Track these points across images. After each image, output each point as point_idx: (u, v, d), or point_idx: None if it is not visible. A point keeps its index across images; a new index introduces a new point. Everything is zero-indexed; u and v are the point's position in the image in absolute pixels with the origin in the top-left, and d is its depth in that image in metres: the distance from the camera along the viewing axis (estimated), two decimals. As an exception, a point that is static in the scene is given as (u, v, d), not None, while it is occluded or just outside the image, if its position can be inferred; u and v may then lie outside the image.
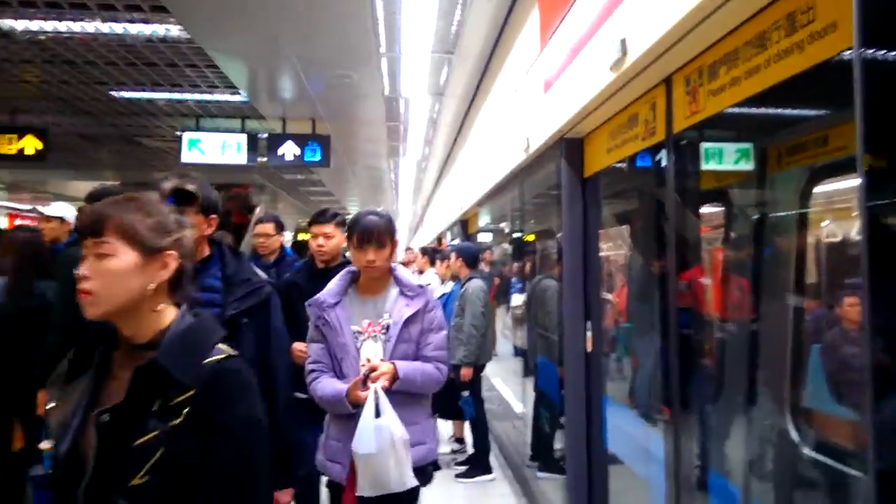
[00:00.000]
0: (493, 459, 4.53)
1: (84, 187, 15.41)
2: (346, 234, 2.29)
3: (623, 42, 1.96)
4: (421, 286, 2.11)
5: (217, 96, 6.61)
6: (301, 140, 7.43)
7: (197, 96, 6.57)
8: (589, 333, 2.70)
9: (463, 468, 4.36)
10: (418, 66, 5.53)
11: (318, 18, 4.37)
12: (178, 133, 7.44)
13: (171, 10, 4.28)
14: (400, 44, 5.05)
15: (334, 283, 2.11)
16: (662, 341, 2.07)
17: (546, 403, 3.83)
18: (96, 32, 4.67)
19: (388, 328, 2.04)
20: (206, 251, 1.84)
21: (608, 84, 2.13)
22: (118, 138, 8.44)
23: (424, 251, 6.38)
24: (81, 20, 4.44)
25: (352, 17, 4.41)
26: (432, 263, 5.98)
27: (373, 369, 1.94)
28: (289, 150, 7.46)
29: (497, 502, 3.98)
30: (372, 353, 2.01)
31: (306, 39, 4.84)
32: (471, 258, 4.73)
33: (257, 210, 3.74)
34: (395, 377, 1.96)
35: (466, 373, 4.27)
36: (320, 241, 2.83)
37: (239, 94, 6.49)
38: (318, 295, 2.09)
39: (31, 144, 6.93)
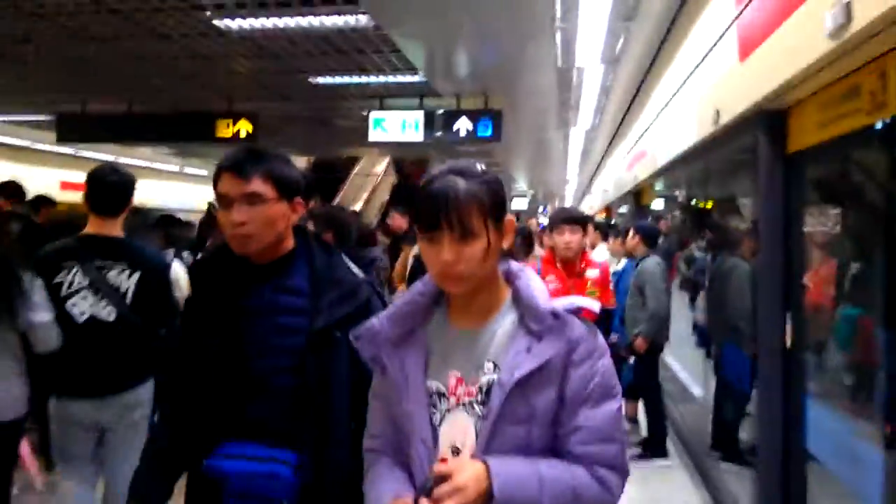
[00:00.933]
0: (670, 444, 4.40)
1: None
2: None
3: (847, 6, 1.75)
4: (557, 314, 1.04)
5: (399, 78, 6.97)
6: (474, 115, 7.58)
7: (381, 79, 6.98)
8: (789, 326, 2.49)
9: (637, 450, 4.29)
10: (594, 35, 5.35)
11: None
12: (365, 113, 8.00)
13: (360, 1, 4.59)
14: (578, 12, 4.92)
15: (404, 300, 1.15)
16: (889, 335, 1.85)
17: (731, 392, 3.63)
18: (297, 27, 5.16)
19: (487, 391, 1.05)
20: (290, 244, 1.43)
21: (825, 53, 1.92)
22: (314, 120, 9.27)
23: (597, 225, 6.24)
24: (286, 16, 4.92)
25: None
26: (605, 238, 5.85)
27: (441, 478, 0.98)
28: (462, 125, 7.65)
29: (674, 488, 3.87)
30: (461, 434, 1.06)
31: (482, 15, 4.91)
32: (650, 237, 4.57)
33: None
34: (484, 499, 0.97)
35: (641, 344, 4.17)
36: None
37: (417, 74, 6.79)
38: (371, 319, 1.14)
39: (244, 127, 7.89)
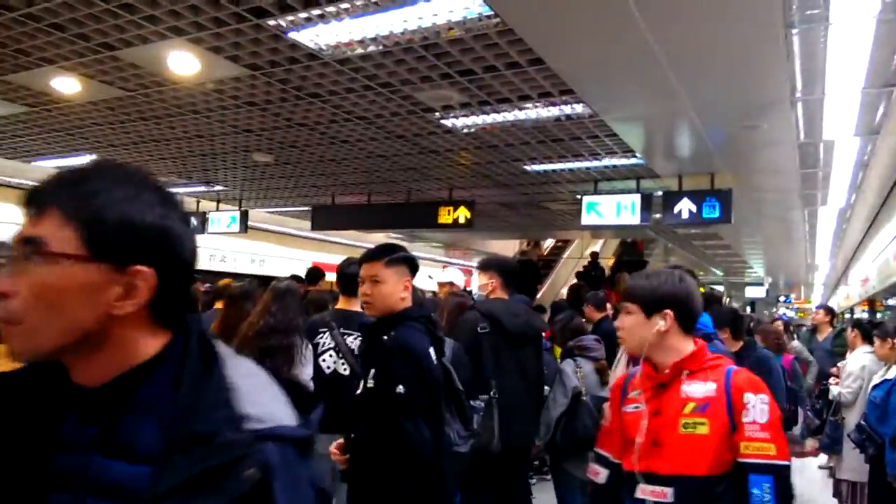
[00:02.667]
0: None
1: (499, 245, 17.89)
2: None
3: None
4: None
5: (614, 161, 6.86)
6: (698, 197, 7.09)
7: (595, 163, 6.94)
8: None
9: None
10: (845, 106, 4.71)
11: (722, 70, 4.15)
12: (578, 197, 7.98)
13: (578, 92, 4.65)
14: (824, 84, 4.39)
15: None
16: None
17: None
18: (514, 120, 5.39)
19: None
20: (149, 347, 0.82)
21: None
22: (528, 204, 9.52)
23: (857, 324, 5.27)
24: (504, 111, 5.18)
25: (762, 64, 4.04)
26: (869, 341, 4.88)
27: None
28: (685, 207, 7.19)
29: None
30: None
31: (708, 94, 4.64)
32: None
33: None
34: None
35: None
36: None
37: (635, 156, 6.61)
38: None
39: (462, 213, 8.37)
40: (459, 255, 20.02)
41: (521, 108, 5.11)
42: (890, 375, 4.02)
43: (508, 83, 4.58)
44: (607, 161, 6.91)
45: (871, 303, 10.50)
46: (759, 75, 4.19)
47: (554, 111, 5.16)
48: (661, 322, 1.67)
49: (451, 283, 4.75)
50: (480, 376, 2.89)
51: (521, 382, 3.20)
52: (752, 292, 21.84)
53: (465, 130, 5.80)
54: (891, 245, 7.30)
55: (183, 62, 4.39)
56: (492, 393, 2.80)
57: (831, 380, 5.23)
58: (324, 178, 8.24)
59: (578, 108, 5.09)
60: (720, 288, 23.31)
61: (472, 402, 2.71)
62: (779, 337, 5.94)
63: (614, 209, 7.69)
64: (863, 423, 4.24)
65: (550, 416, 3.39)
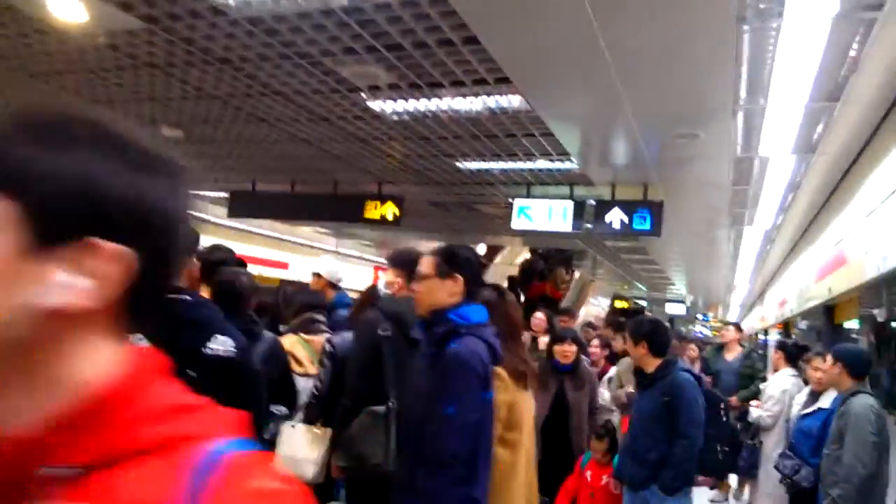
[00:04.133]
0: None
1: (427, 246, 17.59)
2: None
3: None
4: None
5: (548, 164, 6.60)
6: (630, 207, 6.94)
7: (529, 165, 6.66)
8: None
9: None
10: (786, 120, 4.58)
11: (667, 69, 3.90)
12: (511, 200, 7.69)
13: (515, 81, 4.30)
14: (767, 93, 4.23)
15: None
16: None
17: None
18: (447, 109, 5.00)
19: None
20: None
21: None
22: (459, 205, 9.17)
23: (782, 346, 5.18)
24: (436, 98, 4.78)
25: (709, 64, 3.82)
26: (792, 363, 4.78)
27: None
28: (616, 217, 7.04)
29: None
30: None
31: (651, 97, 4.41)
32: (858, 366, 3.54)
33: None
34: None
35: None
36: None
37: (570, 160, 6.37)
38: None
39: (391, 209, 7.92)
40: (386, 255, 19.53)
41: (453, 96, 4.73)
42: (824, 404, 3.86)
43: (440, 64, 4.18)
44: (542, 164, 6.64)
45: (787, 325, 10.77)
46: (705, 76, 3.97)
47: (489, 102, 4.80)
48: None
49: (318, 276, 4.24)
50: (379, 385, 2.46)
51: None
52: (672, 309, 22.38)
53: (395, 117, 5.36)
54: (811, 268, 7.39)
55: (64, 4, 3.75)
56: (389, 404, 2.39)
57: (752, 402, 5.11)
58: (242, 160, 7.60)
59: (515, 102, 4.76)
60: (643, 303, 23.85)
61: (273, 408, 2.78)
62: (693, 361, 5.79)
63: (546, 214, 7.46)
64: (788, 451, 4.09)
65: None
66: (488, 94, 4.65)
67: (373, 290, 3.30)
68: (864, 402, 3.32)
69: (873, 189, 4.56)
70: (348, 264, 17.41)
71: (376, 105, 5.10)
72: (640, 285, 22.54)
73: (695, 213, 8.33)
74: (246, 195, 8.91)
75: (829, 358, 3.62)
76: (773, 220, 8.45)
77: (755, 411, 4.75)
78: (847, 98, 4.09)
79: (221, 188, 9.14)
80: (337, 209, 8.44)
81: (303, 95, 5.02)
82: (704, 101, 4.44)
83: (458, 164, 6.80)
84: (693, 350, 6.97)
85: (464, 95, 4.71)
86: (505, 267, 15.99)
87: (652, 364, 3.38)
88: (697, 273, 17.48)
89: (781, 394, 4.65)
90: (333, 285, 4.23)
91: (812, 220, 7.68)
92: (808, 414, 3.93)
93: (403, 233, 12.73)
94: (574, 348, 4.25)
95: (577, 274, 16.65)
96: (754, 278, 17.02)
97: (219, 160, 7.75)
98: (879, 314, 5.11)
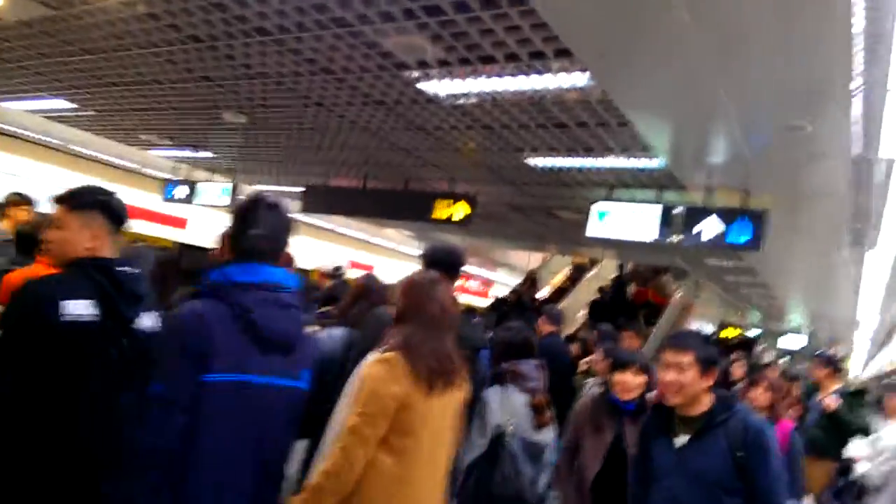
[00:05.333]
0: None
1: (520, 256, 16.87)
2: None
3: None
4: None
5: (630, 163, 5.90)
6: (728, 215, 6.06)
7: (608, 162, 6.00)
8: None
9: None
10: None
11: (771, 46, 3.20)
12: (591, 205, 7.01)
13: (577, 53, 3.74)
14: (888, 75, 3.40)
15: None
16: None
17: None
18: (505, 91, 4.51)
19: None
20: None
21: None
22: (535, 209, 8.59)
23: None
24: (492, 75, 4.30)
25: (821, 42, 3.09)
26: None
27: None
28: (710, 226, 6.16)
29: None
30: None
31: (749, 77, 3.69)
32: None
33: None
34: None
35: None
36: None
37: (654, 157, 5.64)
38: None
39: (462, 209, 7.45)
40: (477, 263, 19.12)
41: (509, 73, 4.23)
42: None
43: (489, 32, 3.70)
44: (622, 162, 5.95)
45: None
46: (814, 57, 3.22)
47: (550, 81, 4.25)
48: None
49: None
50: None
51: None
52: (787, 342, 20.12)
53: (451, 101, 4.94)
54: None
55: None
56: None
57: (855, 454, 4.13)
58: (311, 151, 7.48)
59: (582, 79, 4.17)
60: (756, 332, 21.74)
61: None
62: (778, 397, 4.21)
63: (628, 221, 6.70)
64: None
65: (462, 460, 2.48)
66: (549, 71, 4.10)
67: (367, 280, 2.86)
68: None
69: None
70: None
71: (429, 87, 4.70)
72: (755, 312, 20.54)
73: (810, 228, 7.22)
74: (320, 190, 8.83)
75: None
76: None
77: (861, 466, 3.83)
78: None
79: (299, 182, 9.13)
80: (406, 206, 8.13)
81: (352, 73, 4.71)
82: (813, 82, 3.65)
83: (529, 160, 6.25)
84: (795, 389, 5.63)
85: (521, 72, 4.19)
86: (599, 282, 15.06)
87: (704, 400, 2.23)
88: (815, 302, 15.64)
89: (898, 448, 3.71)
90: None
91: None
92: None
93: (484, 238, 12.27)
94: (641, 379, 2.88)
95: (677, 294, 15.38)
96: (885, 312, 14.92)
97: (290, 151, 7.70)
98: None
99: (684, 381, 2.14)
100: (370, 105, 5.38)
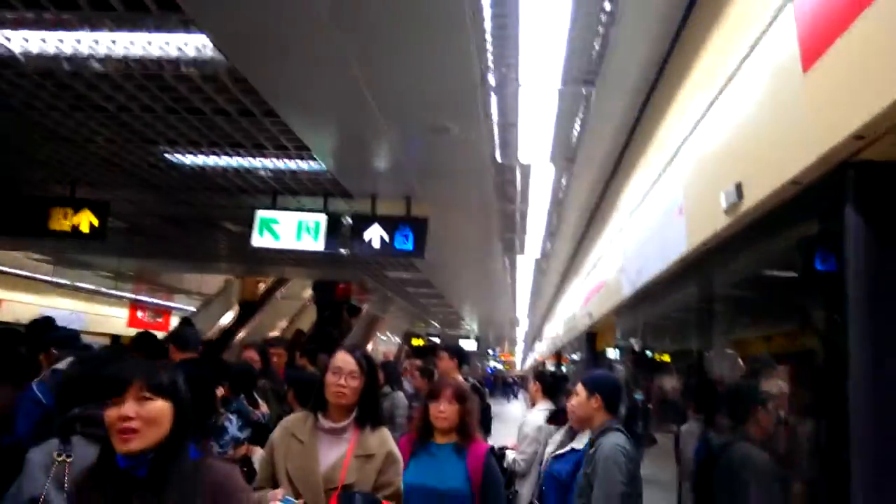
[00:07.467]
0: None
1: (196, 280, 15.06)
2: None
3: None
4: None
5: (290, 164, 5.35)
6: (391, 223, 5.96)
7: (266, 162, 5.35)
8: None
9: None
10: (541, 102, 3.85)
11: (406, 49, 2.96)
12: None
13: (193, 16, 2.99)
14: (517, 69, 3.46)
15: None
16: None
17: None
18: (107, 56, 3.51)
19: None
20: None
21: None
22: (197, 220, 7.48)
23: (539, 376, 4.41)
24: (76, 28, 3.27)
25: (449, 44, 2.96)
26: (550, 396, 4.00)
27: None
28: (376, 234, 6.00)
29: None
30: None
31: (386, 73, 3.44)
32: (610, 397, 2.79)
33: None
34: None
35: None
36: None
37: (316, 160, 5.19)
38: None
39: (87, 219, 6.03)
40: (146, 290, 16.64)
41: (99, 26, 3.26)
42: (578, 444, 3.02)
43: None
44: (282, 164, 5.37)
45: (558, 356, 10.68)
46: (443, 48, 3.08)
47: (162, 44, 3.41)
48: None
49: None
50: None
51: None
52: (464, 345, 22.33)
53: (35, 66, 3.71)
54: (577, 294, 7.06)
55: None
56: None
57: (509, 443, 4.22)
58: None
59: (204, 51, 3.43)
60: (437, 339, 23.53)
61: None
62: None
63: (294, 230, 6.18)
64: (536, 502, 3.29)
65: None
66: (151, 28, 3.25)
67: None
68: (614, 441, 2.57)
69: (632, 195, 4.06)
70: (75, 300, 14.41)
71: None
72: (434, 322, 22.10)
73: (467, 236, 7.66)
74: None
75: (580, 387, 2.82)
76: (542, 247, 8.10)
77: (510, 454, 3.86)
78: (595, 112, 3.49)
79: None
80: (13, 217, 6.26)
81: None
82: (447, 83, 3.57)
83: (168, 155, 5.23)
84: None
85: (117, 25, 3.26)
86: (291, 302, 14.23)
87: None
88: (482, 307, 17.44)
89: (537, 432, 3.81)
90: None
91: (578, 244, 7.43)
92: (559, 456, 3.08)
93: (142, 258, 10.52)
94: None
95: (364, 308, 15.52)
96: (533, 313, 17.39)
97: None
98: (636, 343, 4.63)
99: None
100: None
